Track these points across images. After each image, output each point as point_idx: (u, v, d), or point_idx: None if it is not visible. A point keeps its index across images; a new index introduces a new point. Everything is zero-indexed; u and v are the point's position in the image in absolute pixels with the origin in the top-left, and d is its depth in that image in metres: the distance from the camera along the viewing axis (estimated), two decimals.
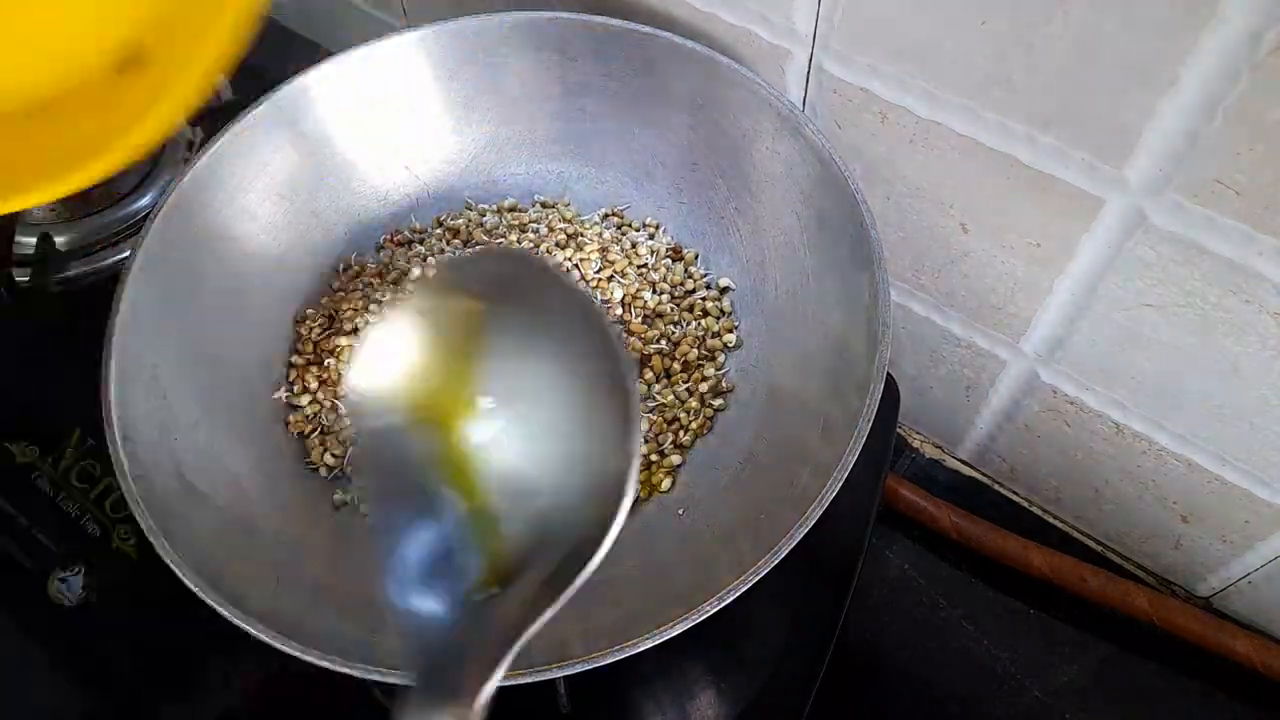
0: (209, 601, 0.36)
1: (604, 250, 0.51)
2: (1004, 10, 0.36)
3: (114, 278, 0.43)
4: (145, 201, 0.61)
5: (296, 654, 0.35)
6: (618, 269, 0.51)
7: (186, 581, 0.36)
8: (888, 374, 0.39)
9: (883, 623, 0.53)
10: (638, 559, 0.44)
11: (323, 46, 0.76)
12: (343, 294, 0.52)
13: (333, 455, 0.47)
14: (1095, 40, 0.34)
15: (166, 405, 0.43)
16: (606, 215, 0.54)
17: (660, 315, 0.50)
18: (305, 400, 0.48)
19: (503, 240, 0.52)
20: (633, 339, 0.49)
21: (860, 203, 0.42)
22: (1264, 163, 0.33)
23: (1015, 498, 0.58)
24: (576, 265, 0.51)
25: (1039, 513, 0.57)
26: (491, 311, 0.26)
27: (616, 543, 0.27)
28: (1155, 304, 0.40)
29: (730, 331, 0.50)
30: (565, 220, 0.53)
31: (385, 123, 0.52)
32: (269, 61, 0.65)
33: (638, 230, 0.53)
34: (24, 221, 0.59)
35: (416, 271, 0.50)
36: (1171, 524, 0.50)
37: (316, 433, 0.48)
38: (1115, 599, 0.51)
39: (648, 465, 0.47)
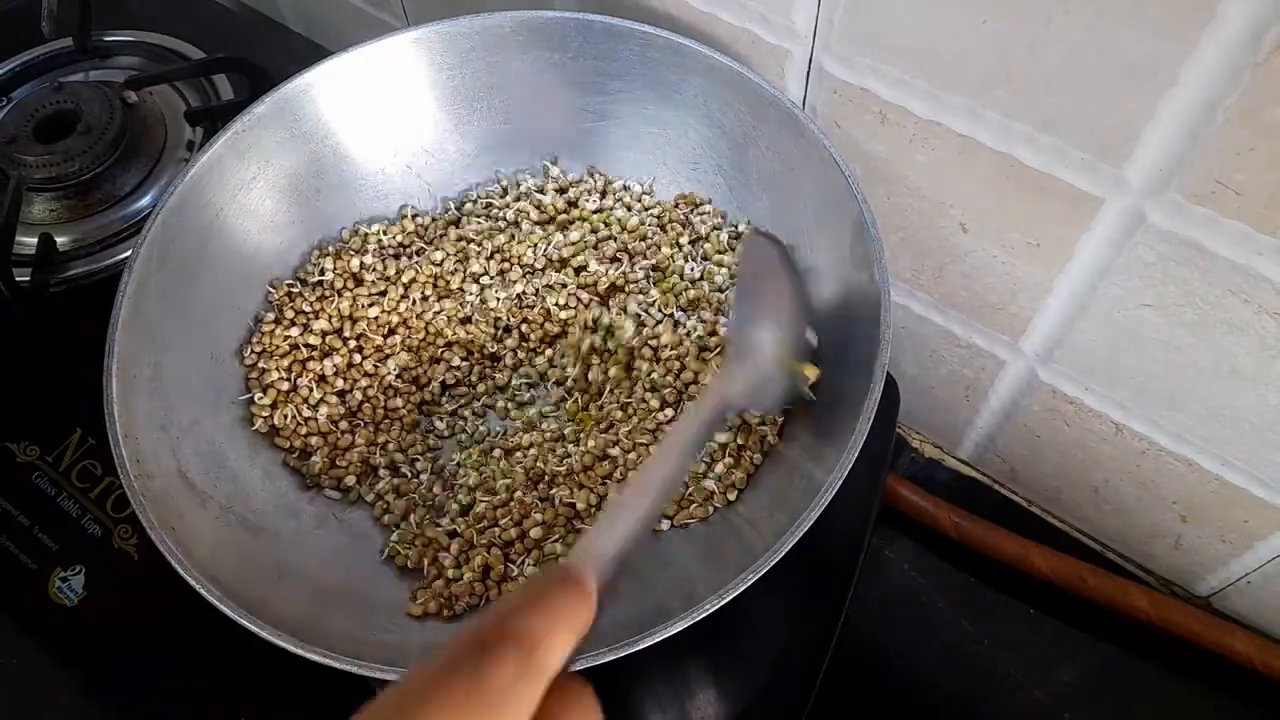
0: (211, 600, 0.36)
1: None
2: (1005, 10, 0.36)
3: (115, 278, 0.43)
4: (146, 201, 0.62)
5: (299, 652, 0.35)
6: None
7: (189, 579, 0.36)
8: (887, 374, 0.39)
9: (883, 622, 0.53)
10: (638, 558, 0.44)
11: (323, 46, 0.76)
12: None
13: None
14: (1096, 40, 0.34)
15: (168, 404, 0.43)
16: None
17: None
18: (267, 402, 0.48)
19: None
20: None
21: (861, 202, 0.42)
22: (1264, 163, 0.33)
23: (1015, 497, 0.58)
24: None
25: (1039, 512, 0.57)
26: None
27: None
28: (1155, 304, 0.40)
29: None
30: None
31: (386, 122, 0.52)
32: (269, 61, 0.66)
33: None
34: (25, 222, 0.59)
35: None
36: (1171, 524, 0.50)
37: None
38: (1115, 598, 0.51)
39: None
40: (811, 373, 0.42)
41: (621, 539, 0.27)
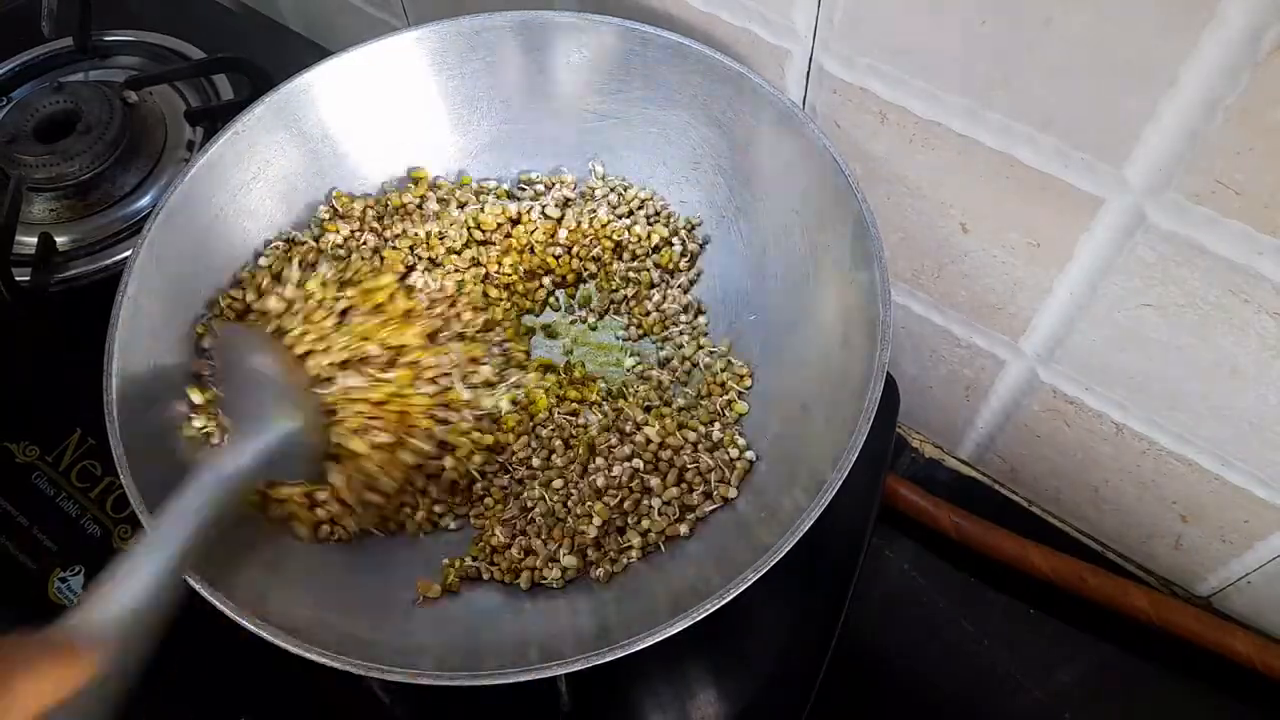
0: (209, 599, 0.36)
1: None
2: (1004, 10, 0.36)
3: (115, 278, 0.43)
4: (145, 201, 0.61)
5: (299, 652, 0.35)
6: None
7: (189, 580, 0.36)
8: (888, 374, 0.39)
9: (883, 622, 0.53)
10: (639, 558, 0.44)
11: (323, 46, 0.76)
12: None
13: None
14: (1095, 40, 0.34)
15: (167, 404, 0.43)
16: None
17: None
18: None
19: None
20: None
21: (861, 202, 0.42)
22: (1264, 162, 0.33)
23: (1015, 497, 0.58)
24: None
25: (1039, 512, 0.57)
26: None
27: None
28: (1155, 304, 0.40)
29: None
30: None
31: (386, 121, 0.52)
32: (269, 61, 0.66)
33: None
34: (25, 221, 0.59)
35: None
36: (1171, 524, 0.50)
37: None
38: (1115, 598, 0.51)
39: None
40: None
41: (128, 602, 0.30)
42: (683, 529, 0.44)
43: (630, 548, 0.43)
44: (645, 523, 0.44)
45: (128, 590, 0.31)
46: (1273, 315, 0.37)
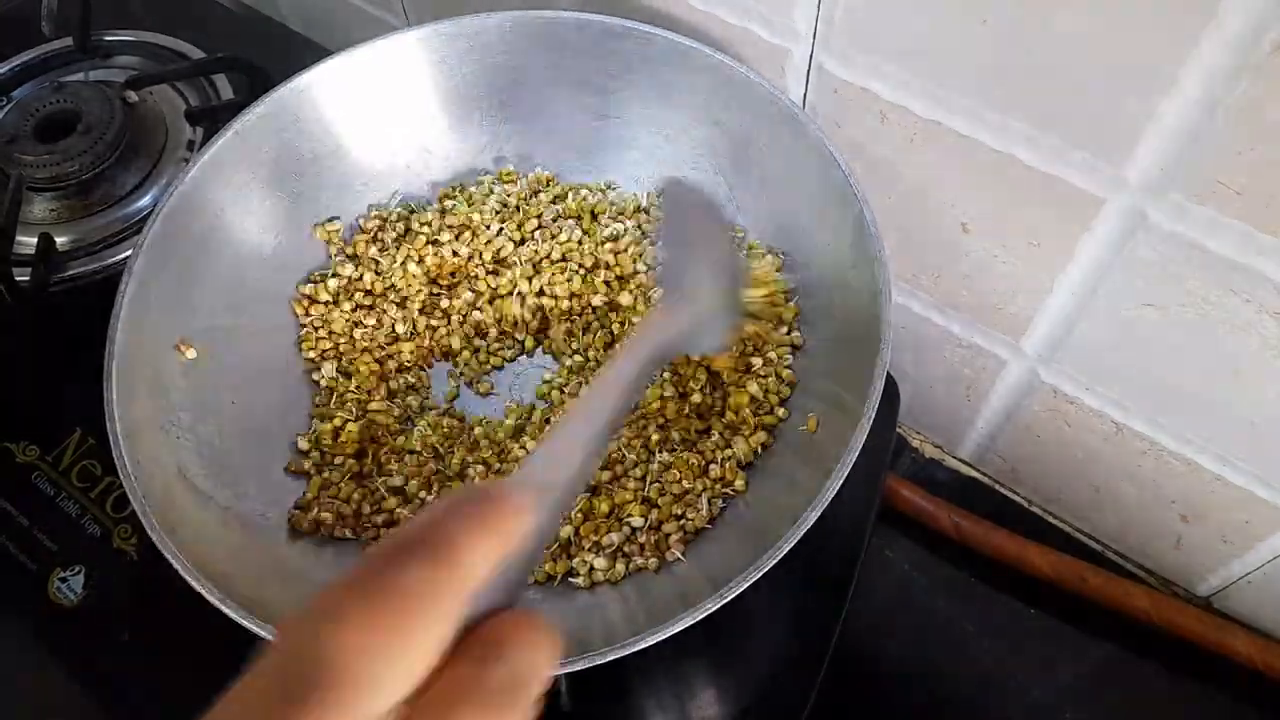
0: (212, 600, 0.36)
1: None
2: (1005, 9, 0.36)
3: (115, 278, 0.43)
4: (146, 201, 0.61)
5: None
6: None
7: (190, 581, 0.36)
8: (888, 374, 0.39)
9: (883, 622, 0.53)
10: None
11: (323, 46, 0.76)
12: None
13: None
14: (1095, 40, 0.34)
15: (168, 405, 0.43)
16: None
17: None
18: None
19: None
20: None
21: (861, 202, 0.42)
22: (1265, 162, 0.33)
23: (1015, 497, 0.58)
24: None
25: (1039, 512, 0.57)
26: None
27: None
28: (1155, 304, 0.40)
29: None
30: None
31: (386, 121, 0.52)
32: (269, 61, 0.66)
33: None
34: (25, 221, 0.59)
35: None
36: (1171, 524, 0.50)
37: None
38: (1115, 598, 0.51)
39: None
40: (761, 290, 0.44)
41: (563, 466, 0.28)
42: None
43: (670, 535, 0.43)
44: (689, 512, 0.44)
45: (567, 453, 0.29)
46: (1273, 315, 0.37)
